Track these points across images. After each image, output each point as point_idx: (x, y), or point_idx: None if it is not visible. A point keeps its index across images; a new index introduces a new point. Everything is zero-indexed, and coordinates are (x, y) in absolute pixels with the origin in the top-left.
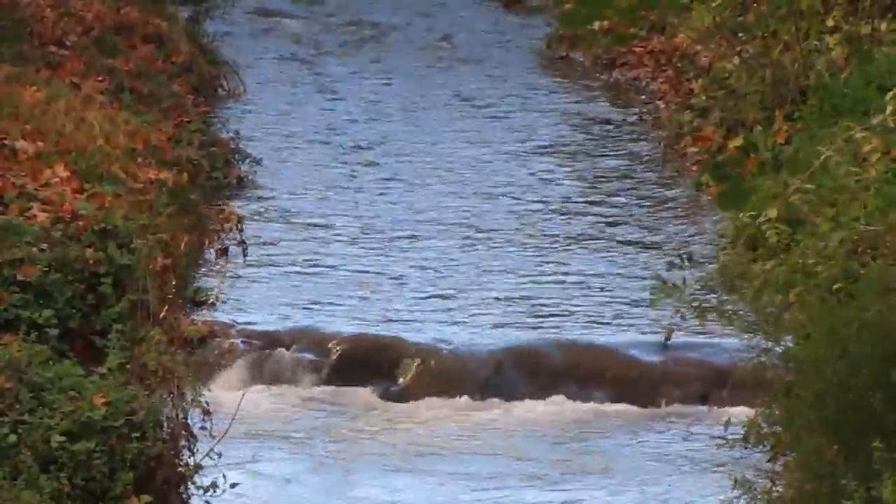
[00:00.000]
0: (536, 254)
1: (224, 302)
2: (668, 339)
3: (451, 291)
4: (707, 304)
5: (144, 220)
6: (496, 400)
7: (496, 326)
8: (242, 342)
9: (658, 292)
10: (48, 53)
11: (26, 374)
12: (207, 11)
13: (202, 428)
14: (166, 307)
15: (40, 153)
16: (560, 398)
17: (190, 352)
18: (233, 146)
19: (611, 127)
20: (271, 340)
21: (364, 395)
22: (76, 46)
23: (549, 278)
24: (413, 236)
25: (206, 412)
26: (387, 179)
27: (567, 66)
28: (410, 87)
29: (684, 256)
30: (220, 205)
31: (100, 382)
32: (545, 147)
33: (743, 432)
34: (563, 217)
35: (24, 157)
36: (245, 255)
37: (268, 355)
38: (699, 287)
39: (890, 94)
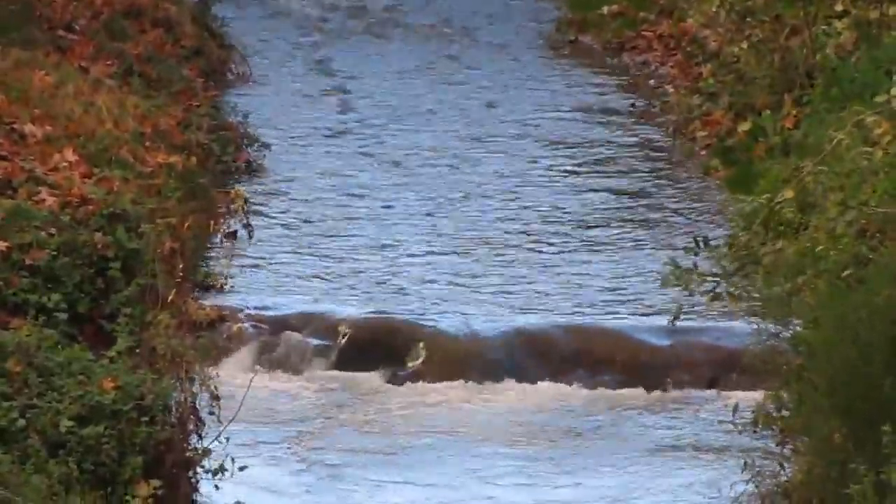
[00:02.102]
0: (543, 242)
1: (233, 286)
2: (676, 317)
3: (462, 279)
4: (720, 291)
5: (153, 204)
6: (506, 384)
7: (506, 311)
8: (252, 326)
9: (670, 276)
10: (57, 37)
11: (35, 359)
12: None
13: (211, 412)
14: (175, 291)
15: (49, 137)
16: (569, 382)
17: (199, 336)
18: (242, 130)
19: (619, 112)
20: (280, 324)
21: (374, 379)
22: (85, 30)
23: (558, 267)
24: (424, 224)
25: (215, 396)
26: (395, 163)
27: (576, 51)
28: (417, 72)
29: (699, 240)
30: (227, 186)
31: (109, 366)
32: (551, 135)
33: (751, 417)
34: (570, 207)
35: (33, 141)
36: (251, 236)
37: (277, 339)
38: (713, 273)
39: None
